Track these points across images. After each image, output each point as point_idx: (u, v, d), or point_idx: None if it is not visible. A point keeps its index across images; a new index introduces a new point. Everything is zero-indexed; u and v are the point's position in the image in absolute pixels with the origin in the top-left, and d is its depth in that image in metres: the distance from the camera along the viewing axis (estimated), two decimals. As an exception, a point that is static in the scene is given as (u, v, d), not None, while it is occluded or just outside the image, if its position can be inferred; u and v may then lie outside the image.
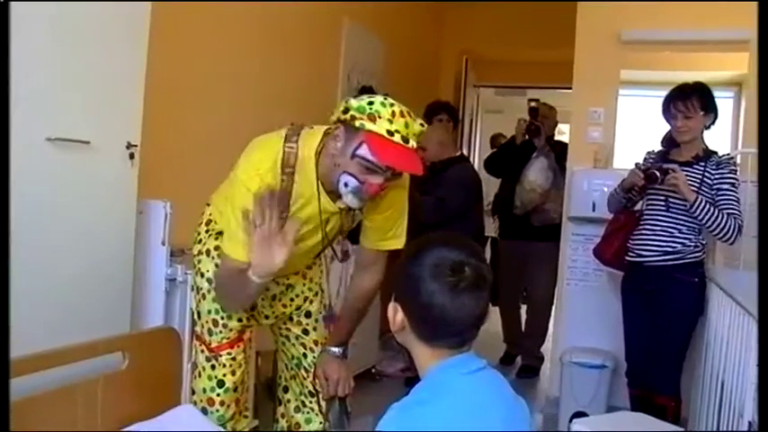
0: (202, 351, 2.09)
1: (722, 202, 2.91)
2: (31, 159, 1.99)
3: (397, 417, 1.21)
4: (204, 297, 2.09)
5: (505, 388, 1.32)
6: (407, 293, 1.28)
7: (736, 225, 2.89)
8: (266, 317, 2.16)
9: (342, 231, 2.08)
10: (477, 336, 1.30)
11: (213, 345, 2.06)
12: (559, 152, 4.33)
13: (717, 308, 2.93)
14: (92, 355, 1.79)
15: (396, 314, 1.29)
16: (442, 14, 6.49)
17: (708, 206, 2.88)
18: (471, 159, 5.94)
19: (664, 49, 4.13)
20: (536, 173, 4.32)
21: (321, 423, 2.18)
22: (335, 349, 2.13)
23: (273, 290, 2.12)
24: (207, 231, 2.12)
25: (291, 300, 2.18)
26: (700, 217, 2.89)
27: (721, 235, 2.91)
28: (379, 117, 1.73)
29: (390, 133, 1.72)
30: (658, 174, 2.97)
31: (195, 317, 2.15)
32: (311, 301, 2.22)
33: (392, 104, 1.76)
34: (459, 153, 4.36)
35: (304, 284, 2.20)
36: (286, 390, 2.24)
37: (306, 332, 2.21)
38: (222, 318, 2.06)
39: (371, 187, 1.78)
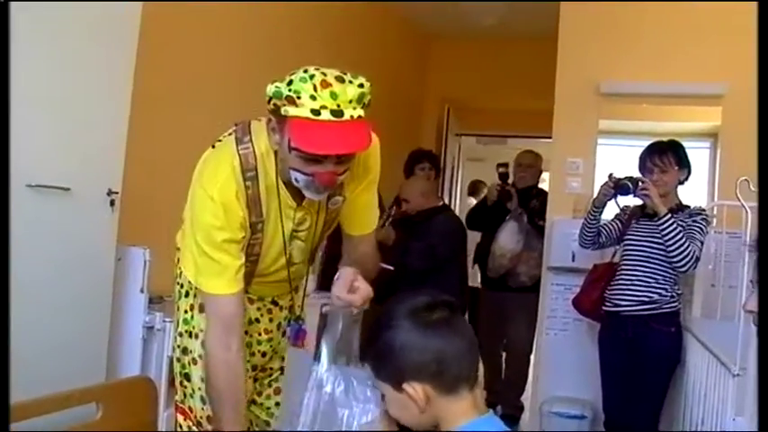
0: (189, 429, 1.84)
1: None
2: (12, 206, 1.98)
3: None
4: (196, 362, 1.83)
5: None
6: (411, 359, 1.21)
7: (695, 253, 2.91)
8: (264, 354, 1.94)
9: (328, 226, 1.87)
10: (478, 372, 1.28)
11: (204, 420, 1.82)
12: (540, 202, 4.37)
13: (695, 358, 2.94)
14: (65, 407, 1.76)
15: (416, 391, 1.20)
16: (425, 63, 6.60)
17: (675, 224, 2.92)
18: (453, 208, 5.97)
19: (641, 101, 4.22)
20: (506, 238, 4.31)
21: None
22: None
23: (276, 318, 1.94)
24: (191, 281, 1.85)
25: (287, 325, 1.97)
26: (665, 232, 2.92)
27: (680, 258, 2.91)
28: (299, 97, 1.46)
29: (316, 112, 1.46)
30: (630, 184, 3.02)
31: (178, 383, 1.89)
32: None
33: (313, 76, 1.48)
34: (441, 203, 4.39)
35: (296, 303, 1.97)
36: None
37: (281, 370, 2.02)
38: None
39: (322, 178, 1.55)
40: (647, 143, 3.21)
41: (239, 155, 1.64)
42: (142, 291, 2.47)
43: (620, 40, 3.98)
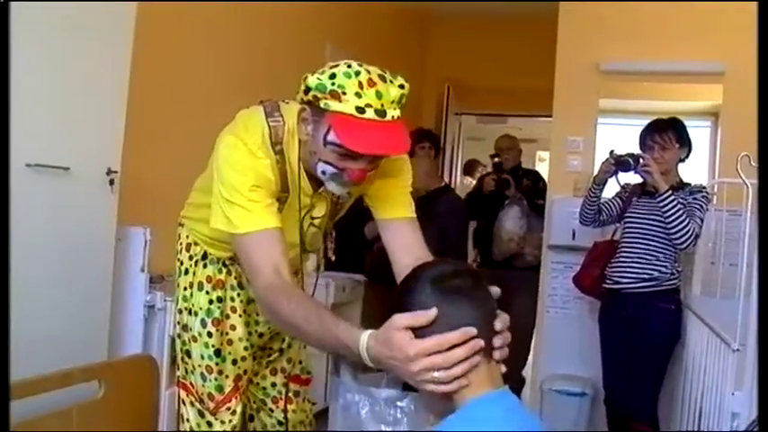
0: (192, 404, 1.88)
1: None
2: (11, 185, 1.98)
3: None
4: (195, 339, 1.86)
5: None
6: (435, 322, 1.21)
7: (694, 230, 2.92)
8: (261, 335, 1.95)
9: (333, 215, 1.84)
10: None
11: (205, 396, 1.86)
12: (532, 181, 4.42)
13: (694, 335, 2.95)
14: (66, 385, 1.77)
15: None
16: (425, 42, 6.56)
17: (675, 201, 2.92)
18: (453, 187, 5.98)
19: (642, 80, 4.21)
20: (511, 222, 4.40)
21: None
22: None
23: None
24: (191, 258, 1.89)
25: None
26: (665, 209, 2.92)
27: (680, 234, 2.92)
28: (344, 93, 1.44)
29: (361, 110, 1.44)
30: (631, 161, 3.02)
31: (179, 360, 1.92)
32: None
33: (358, 72, 1.45)
34: (444, 183, 4.42)
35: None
36: (252, 419, 2.05)
37: (281, 351, 2.03)
38: (217, 363, 1.85)
39: (353, 174, 1.53)
40: (647, 122, 3.20)
41: (269, 126, 1.62)
42: (143, 270, 2.48)
43: (620, 18, 3.95)
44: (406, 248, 1.69)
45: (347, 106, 1.44)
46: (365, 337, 1.25)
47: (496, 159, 4.69)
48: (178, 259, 1.94)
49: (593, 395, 3.68)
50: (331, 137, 1.49)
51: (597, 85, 4.01)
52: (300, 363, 2.07)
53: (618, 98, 4.65)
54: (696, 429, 2.70)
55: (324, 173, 1.56)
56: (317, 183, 1.66)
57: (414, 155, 4.30)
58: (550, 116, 4.18)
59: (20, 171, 2.02)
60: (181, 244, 1.94)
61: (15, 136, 1.98)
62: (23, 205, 2.04)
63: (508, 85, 6.51)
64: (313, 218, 1.76)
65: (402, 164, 1.76)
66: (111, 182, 2.35)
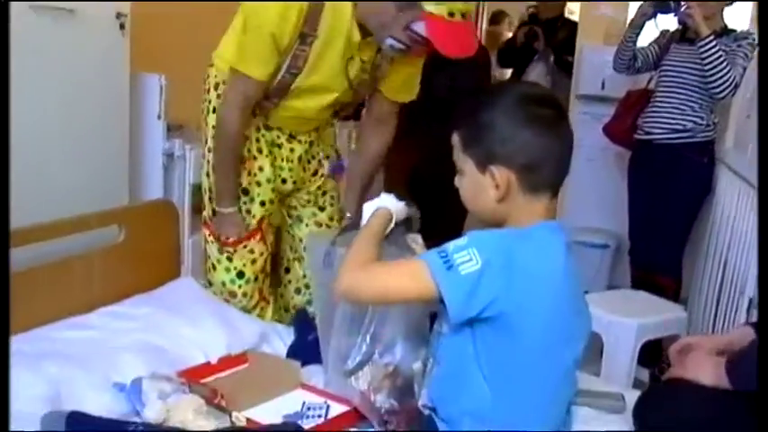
0: (213, 242, 1.96)
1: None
2: (14, 29, 1.89)
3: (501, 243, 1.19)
4: None
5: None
6: (509, 145, 1.20)
7: (734, 79, 2.77)
8: (284, 180, 2.00)
9: (367, 85, 1.97)
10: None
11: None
12: (567, 35, 4.22)
13: (725, 188, 2.89)
14: (84, 229, 1.76)
15: (501, 177, 1.20)
16: None
17: (717, 48, 2.76)
18: (479, 37, 5.77)
19: None
20: (535, 78, 4.25)
21: None
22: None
23: (297, 150, 1.99)
24: (219, 97, 1.91)
25: (309, 161, 2.05)
26: (705, 55, 2.76)
27: (719, 83, 2.77)
28: None
29: (451, 14, 1.65)
30: (672, 2, 2.86)
31: (207, 199, 1.97)
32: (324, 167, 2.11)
33: None
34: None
35: (318, 145, 2.07)
36: (288, 270, 2.13)
37: (322, 209, 2.10)
38: (245, 203, 1.94)
39: (417, 52, 1.81)
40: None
41: None
42: (159, 117, 2.42)
43: None
44: (380, 128, 2.07)
45: (441, 9, 1.63)
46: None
47: (531, 10, 4.49)
48: (205, 99, 1.96)
49: (616, 247, 3.67)
50: (417, 27, 1.66)
51: None
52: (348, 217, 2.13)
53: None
54: (719, 279, 2.70)
55: (392, 47, 1.74)
56: (365, 33, 1.78)
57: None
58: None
59: (23, 13, 1.92)
60: (209, 83, 1.95)
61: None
62: (29, 50, 1.96)
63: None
64: (363, 61, 1.86)
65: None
66: (122, 26, 2.27)
